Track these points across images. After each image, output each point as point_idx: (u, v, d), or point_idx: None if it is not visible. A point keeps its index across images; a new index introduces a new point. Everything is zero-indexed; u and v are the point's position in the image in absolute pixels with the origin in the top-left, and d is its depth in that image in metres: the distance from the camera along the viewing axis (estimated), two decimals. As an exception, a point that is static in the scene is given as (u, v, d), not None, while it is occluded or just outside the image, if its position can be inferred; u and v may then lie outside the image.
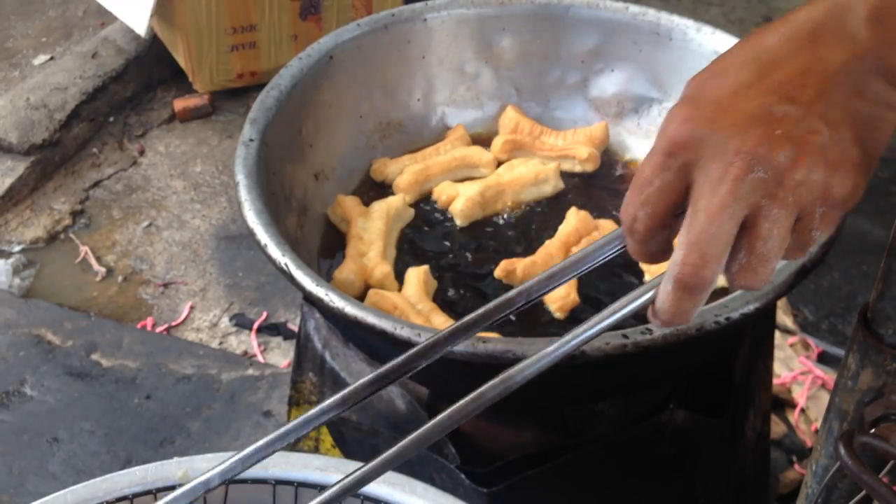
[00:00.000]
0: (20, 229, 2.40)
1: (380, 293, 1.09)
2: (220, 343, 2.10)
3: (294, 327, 2.11)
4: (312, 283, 0.97)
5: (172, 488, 0.75)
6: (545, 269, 1.15)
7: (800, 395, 1.85)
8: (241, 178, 1.08)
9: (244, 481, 0.77)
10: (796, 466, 1.75)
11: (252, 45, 2.67)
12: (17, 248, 2.35)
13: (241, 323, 2.14)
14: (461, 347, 0.91)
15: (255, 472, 0.78)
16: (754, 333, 1.19)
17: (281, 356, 2.06)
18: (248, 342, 2.10)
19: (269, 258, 1.01)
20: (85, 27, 3.10)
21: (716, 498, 1.22)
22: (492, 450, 1.15)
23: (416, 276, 1.12)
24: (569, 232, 1.18)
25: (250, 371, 1.99)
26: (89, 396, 1.93)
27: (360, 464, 0.79)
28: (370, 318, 0.94)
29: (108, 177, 2.58)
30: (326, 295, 0.96)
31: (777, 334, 1.94)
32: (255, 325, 2.12)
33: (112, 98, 2.75)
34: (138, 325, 2.12)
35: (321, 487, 0.76)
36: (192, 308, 2.18)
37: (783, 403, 1.86)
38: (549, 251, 1.16)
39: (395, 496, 0.77)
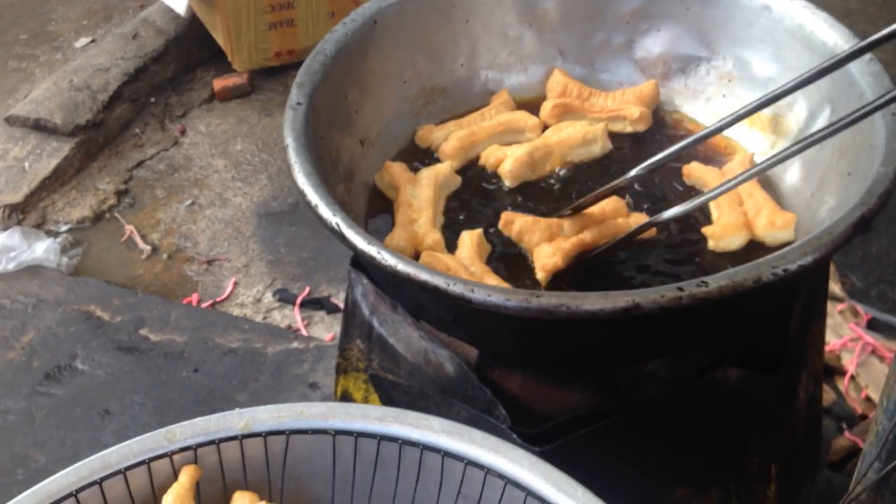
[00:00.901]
0: (67, 209, 2.44)
1: (433, 255, 1.09)
2: (264, 318, 2.12)
3: (338, 302, 2.12)
4: (364, 241, 0.97)
5: (235, 438, 0.76)
6: (546, 230, 1.12)
7: (849, 362, 1.83)
8: (290, 140, 1.09)
9: (304, 431, 0.77)
10: (847, 433, 1.73)
11: (290, 22, 2.68)
12: (64, 228, 2.39)
13: (285, 298, 2.15)
14: (514, 303, 0.91)
15: (316, 422, 0.79)
16: (808, 291, 1.17)
17: (324, 330, 2.08)
18: (292, 317, 2.11)
19: (320, 218, 1.01)
20: (125, 9, 3.14)
21: (769, 459, 1.21)
22: (542, 411, 1.14)
23: (470, 239, 1.12)
24: (594, 212, 1.15)
25: (295, 344, 2.01)
26: (139, 370, 1.96)
27: (418, 413, 0.80)
28: (423, 275, 0.94)
29: (151, 157, 2.61)
30: (378, 253, 0.96)
31: (825, 302, 1.91)
32: (299, 300, 2.13)
33: (153, 79, 2.78)
34: (184, 301, 2.15)
35: (380, 437, 0.76)
36: (235, 284, 2.20)
37: (832, 371, 1.84)
38: (561, 221, 1.14)
39: (454, 445, 0.77)
